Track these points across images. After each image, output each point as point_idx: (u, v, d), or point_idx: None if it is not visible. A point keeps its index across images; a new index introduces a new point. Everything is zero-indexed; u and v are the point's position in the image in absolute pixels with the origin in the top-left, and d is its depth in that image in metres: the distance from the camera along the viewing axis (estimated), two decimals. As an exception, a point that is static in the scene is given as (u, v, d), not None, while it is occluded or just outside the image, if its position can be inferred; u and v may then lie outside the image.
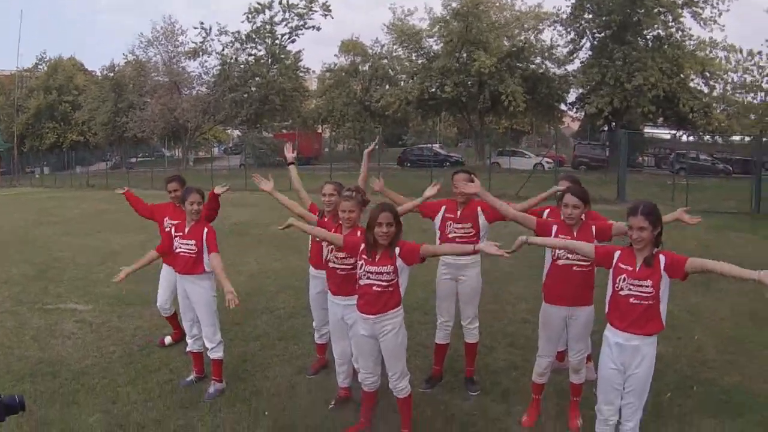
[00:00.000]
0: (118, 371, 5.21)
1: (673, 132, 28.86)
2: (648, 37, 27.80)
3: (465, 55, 30.51)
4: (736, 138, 28.27)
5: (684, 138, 29.27)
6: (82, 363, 5.40)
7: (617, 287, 3.48)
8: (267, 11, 35.68)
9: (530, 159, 32.86)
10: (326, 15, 35.79)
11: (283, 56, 36.71)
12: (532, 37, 32.22)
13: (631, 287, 3.42)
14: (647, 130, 31.56)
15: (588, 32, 29.57)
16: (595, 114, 28.35)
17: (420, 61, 33.99)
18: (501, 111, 33.56)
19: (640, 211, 3.34)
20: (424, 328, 5.95)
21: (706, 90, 28.68)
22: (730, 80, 27.77)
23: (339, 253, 4.21)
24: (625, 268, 3.45)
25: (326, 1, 35.83)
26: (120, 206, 19.11)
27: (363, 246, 3.88)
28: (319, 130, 46.36)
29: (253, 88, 36.62)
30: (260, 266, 9.48)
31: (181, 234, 4.73)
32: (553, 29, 31.39)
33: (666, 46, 27.02)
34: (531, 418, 4.36)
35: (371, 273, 3.84)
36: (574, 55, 31.45)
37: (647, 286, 3.37)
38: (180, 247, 4.70)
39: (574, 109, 34.82)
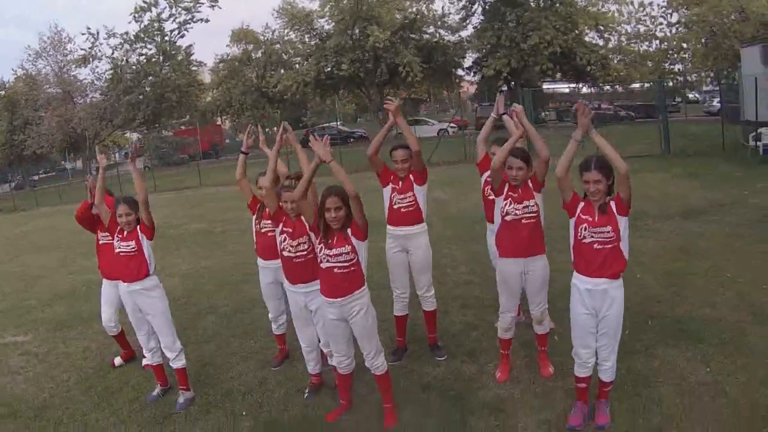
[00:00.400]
0: (79, 399, 4.81)
1: (573, 85, 30.38)
2: None
3: (358, 31, 30.30)
4: (636, 85, 30.01)
5: (584, 90, 30.89)
6: (39, 397, 4.93)
7: (580, 236, 3.59)
8: (153, 9, 34.35)
9: (434, 126, 33.30)
10: (213, 6, 34.71)
11: (174, 52, 35.18)
12: (423, 8, 32.37)
13: (593, 235, 3.53)
14: (546, 85, 32.98)
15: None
16: (494, 76, 29.02)
17: (313, 42, 33.66)
18: (399, 82, 33.88)
19: (593, 165, 3.45)
20: (387, 303, 5.70)
21: (601, 43, 29.84)
22: (624, 32, 28.98)
23: (293, 241, 4.08)
24: (585, 218, 3.57)
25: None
26: (33, 226, 18.50)
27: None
28: (219, 122, 45.12)
29: (148, 88, 35.20)
30: (190, 266, 9.01)
31: (121, 236, 4.46)
32: None
33: (558, 5, 27.85)
34: (504, 373, 4.44)
35: (330, 256, 3.76)
36: (467, 21, 31.95)
37: (608, 232, 3.50)
38: (120, 248, 4.42)
39: (472, 73, 35.43)
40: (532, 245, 4.19)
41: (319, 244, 3.81)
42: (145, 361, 4.78)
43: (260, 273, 4.86)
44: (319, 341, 4.38)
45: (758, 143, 14.16)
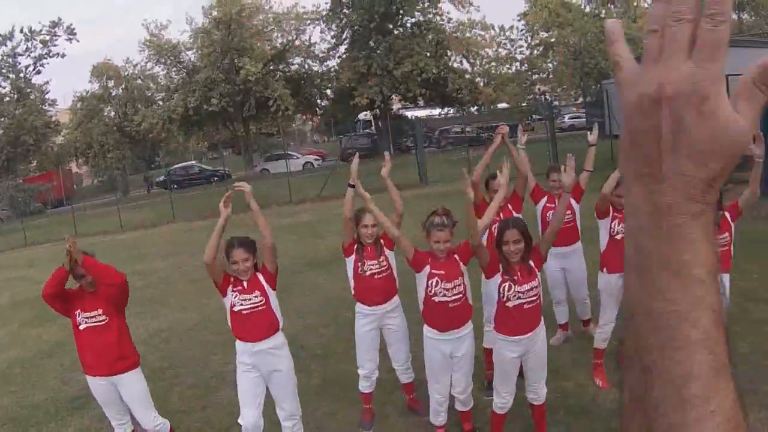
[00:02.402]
0: None
1: (438, 111, 32.06)
2: (408, 25, 29.29)
3: (228, 64, 29.42)
4: (503, 106, 32.53)
5: (451, 114, 32.71)
6: None
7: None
8: (8, 42, 30.84)
9: (299, 159, 32.77)
10: (71, 39, 32.02)
11: (29, 90, 32.13)
12: (295, 38, 32.06)
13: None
14: (412, 112, 34.46)
15: (349, 26, 30.05)
16: (367, 105, 29.31)
17: (180, 77, 32.06)
18: (263, 116, 33.01)
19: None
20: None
21: (469, 68, 31.38)
22: (486, 55, 30.76)
23: (448, 284, 3.83)
24: None
25: (71, 24, 32.22)
26: None
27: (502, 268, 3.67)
28: (73, 166, 40.96)
29: (1, 131, 31.78)
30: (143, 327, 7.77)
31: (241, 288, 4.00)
32: (313, 27, 31.66)
33: (428, 32, 28.85)
34: (604, 380, 4.83)
35: (521, 293, 3.64)
36: (336, 50, 31.98)
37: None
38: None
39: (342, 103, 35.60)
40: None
41: (506, 282, 3.68)
42: None
43: (359, 319, 4.51)
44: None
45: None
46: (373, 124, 34.77)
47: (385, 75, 28.39)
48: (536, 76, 29.47)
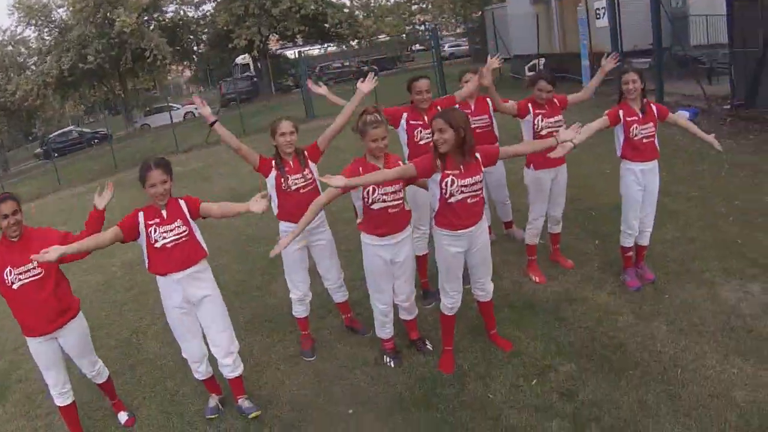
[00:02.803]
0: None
1: (319, 47, 31.24)
2: None
3: (102, 17, 26.94)
4: (382, 38, 32.02)
5: (331, 49, 31.86)
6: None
7: (632, 134, 4.35)
8: None
9: (180, 110, 31.02)
10: None
11: None
12: None
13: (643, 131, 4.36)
14: (291, 51, 33.28)
15: None
16: (246, 47, 28.03)
17: (51, 37, 29.23)
18: (140, 70, 31.18)
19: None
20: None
21: (348, 2, 30.54)
22: None
23: (387, 188, 3.68)
24: (632, 120, 4.34)
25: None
26: None
27: (438, 161, 3.47)
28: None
29: None
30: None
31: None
32: None
33: None
34: (540, 275, 5.01)
35: (466, 186, 3.50)
36: None
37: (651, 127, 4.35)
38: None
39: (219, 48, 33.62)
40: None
41: (448, 176, 3.52)
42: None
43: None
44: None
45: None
46: (252, 66, 33.41)
47: (262, 14, 27.26)
48: (416, 6, 29.21)
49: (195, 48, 33.30)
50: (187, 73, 42.38)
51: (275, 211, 4.20)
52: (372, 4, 29.67)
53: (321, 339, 4.70)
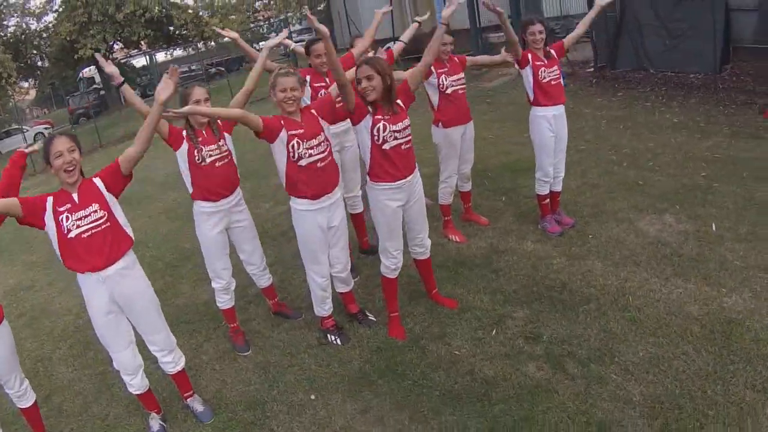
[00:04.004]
0: None
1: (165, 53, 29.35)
2: None
3: None
4: (227, 39, 30.47)
5: (177, 53, 30.12)
6: None
7: (540, 77, 4.36)
8: None
9: (29, 132, 27.33)
10: None
11: None
12: None
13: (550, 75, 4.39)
14: (140, 60, 31.18)
15: None
16: (92, 57, 25.86)
17: None
18: None
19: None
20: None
21: (191, 2, 28.91)
22: None
23: (311, 141, 3.36)
24: (540, 63, 4.36)
25: None
26: None
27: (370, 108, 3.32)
28: None
29: None
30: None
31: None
32: None
33: None
34: (459, 235, 4.88)
35: (397, 132, 3.33)
36: (52, 2, 27.48)
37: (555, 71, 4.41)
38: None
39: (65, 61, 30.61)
40: (465, 114, 4.71)
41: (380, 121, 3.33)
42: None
43: (203, 222, 3.75)
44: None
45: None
46: (98, 78, 30.78)
47: (106, 21, 25.17)
48: (259, 2, 28.45)
49: (39, 63, 30.10)
50: (31, 94, 38.28)
51: (189, 189, 3.68)
52: (216, 3, 28.50)
53: (251, 330, 4.20)
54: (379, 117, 3.27)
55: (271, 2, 27.76)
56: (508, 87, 10.56)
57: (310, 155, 3.36)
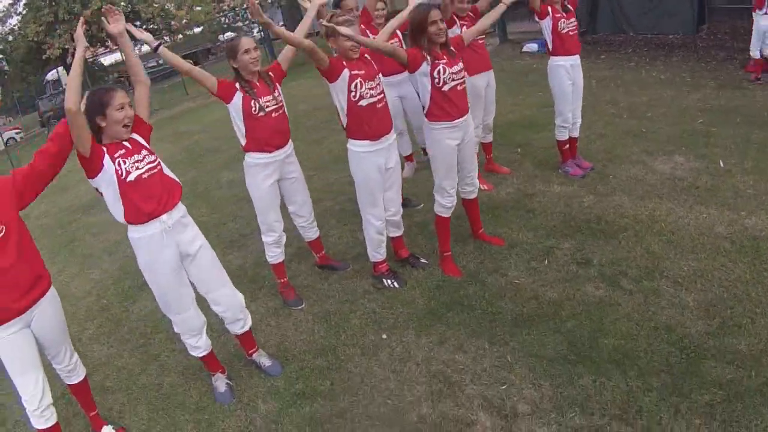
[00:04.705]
0: None
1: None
2: None
3: None
4: (197, 30, 30.02)
5: (145, 48, 29.43)
6: None
7: (560, 28, 4.60)
8: None
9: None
10: None
11: None
12: None
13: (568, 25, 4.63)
14: (108, 57, 30.31)
15: None
16: (60, 57, 25.04)
17: None
18: None
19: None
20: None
21: None
22: None
23: (371, 83, 3.45)
24: (559, 15, 4.60)
25: None
26: None
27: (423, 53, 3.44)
28: None
29: None
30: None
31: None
32: None
33: None
34: (486, 184, 5.01)
35: (454, 74, 3.48)
36: (16, 5, 26.63)
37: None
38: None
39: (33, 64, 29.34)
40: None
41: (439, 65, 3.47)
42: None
43: (257, 173, 3.69)
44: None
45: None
46: (63, 80, 29.81)
47: (73, 19, 24.31)
48: None
49: (6, 68, 28.91)
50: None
51: (242, 142, 3.61)
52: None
53: (299, 285, 4.16)
54: (439, 61, 3.41)
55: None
56: (492, 56, 10.77)
57: (371, 95, 3.45)
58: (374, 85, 3.49)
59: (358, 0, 4.76)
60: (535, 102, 7.22)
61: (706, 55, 8.16)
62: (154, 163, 2.91)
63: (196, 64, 27.20)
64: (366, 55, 3.54)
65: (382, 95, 3.54)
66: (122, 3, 25.21)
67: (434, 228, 4.02)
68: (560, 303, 3.38)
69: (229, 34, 34.88)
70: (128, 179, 2.80)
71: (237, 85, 3.49)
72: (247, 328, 3.35)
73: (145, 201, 2.85)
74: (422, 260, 4.09)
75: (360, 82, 3.42)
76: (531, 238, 4.10)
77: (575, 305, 3.34)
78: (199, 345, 3.21)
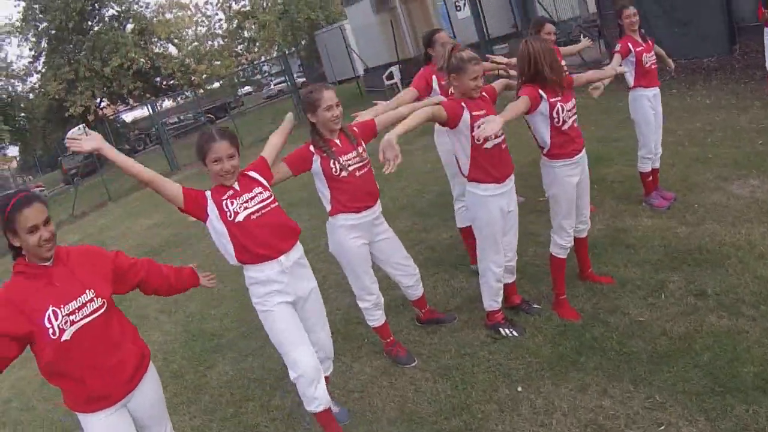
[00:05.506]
0: None
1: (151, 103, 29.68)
2: (106, 19, 26.52)
3: None
4: (216, 85, 30.93)
5: (167, 104, 30.47)
6: None
7: (644, 62, 4.79)
8: None
9: None
10: None
11: None
12: None
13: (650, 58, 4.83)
14: (129, 114, 31.35)
15: (46, 33, 26.25)
16: (82, 114, 25.91)
17: None
18: None
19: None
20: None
21: (175, 52, 29.26)
22: (187, 36, 29.02)
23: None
24: (641, 49, 4.78)
25: None
26: None
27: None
28: None
29: None
30: None
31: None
32: (9, 43, 26.98)
33: (127, 21, 26.43)
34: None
35: (570, 111, 3.52)
36: (37, 62, 27.56)
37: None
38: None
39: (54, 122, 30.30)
40: None
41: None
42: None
43: (344, 234, 3.52)
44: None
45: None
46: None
47: (93, 77, 25.20)
48: (241, 46, 28.90)
49: (27, 125, 29.79)
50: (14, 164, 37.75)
51: (327, 208, 3.51)
52: (201, 52, 28.81)
53: (405, 341, 4.07)
54: (554, 99, 3.43)
55: (251, 46, 28.24)
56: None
57: (496, 137, 3.37)
58: None
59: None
60: (595, 137, 7.34)
61: (744, 75, 8.33)
62: (267, 201, 2.88)
63: (217, 119, 27.86)
64: (484, 93, 3.48)
65: (503, 135, 3.46)
66: (142, 60, 25.90)
67: (533, 272, 4.12)
68: (690, 336, 3.41)
69: (247, 88, 36.03)
70: (236, 220, 2.80)
71: (311, 148, 3.35)
72: (330, 370, 3.43)
73: (257, 241, 2.83)
74: (534, 305, 4.05)
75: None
76: (639, 274, 4.16)
77: (705, 337, 3.37)
78: (318, 395, 3.04)
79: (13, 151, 35.44)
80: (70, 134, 2.75)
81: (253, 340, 4.83)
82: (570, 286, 4.16)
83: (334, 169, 3.32)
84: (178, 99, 29.77)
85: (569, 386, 3.28)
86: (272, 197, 2.93)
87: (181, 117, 28.70)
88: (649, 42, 4.85)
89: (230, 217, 2.80)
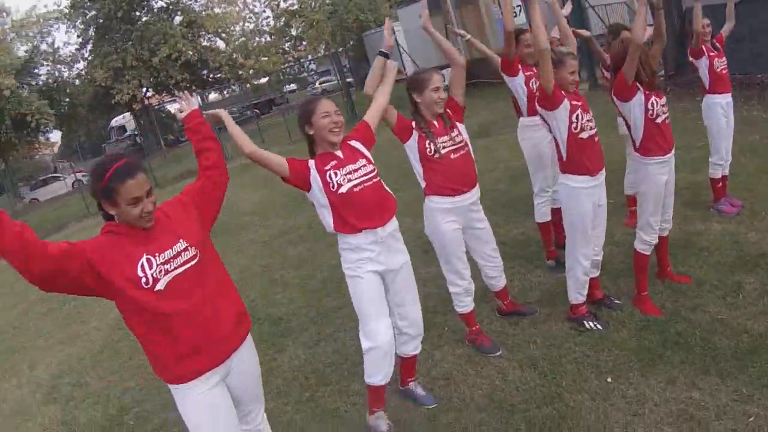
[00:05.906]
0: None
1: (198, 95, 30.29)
2: (155, 9, 27.11)
3: None
4: (263, 80, 31.38)
5: (213, 96, 30.99)
6: None
7: (716, 67, 5.00)
8: None
9: (67, 179, 28.87)
10: None
11: None
12: (40, 42, 27.65)
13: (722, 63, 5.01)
14: (174, 105, 32.01)
15: (94, 21, 26.98)
16: (128, 102, 26.56)
17: None
18: (20, 140, 27.81)
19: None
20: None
21: (223, 47, 29.63)
22: (233, 31, 29.29)
23: (588, 115, 3.51)
24: (714, 54, 4.98)
25: None
26: None
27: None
28: None
29: None
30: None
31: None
32: (57, 29, 27.88)
33: (175, 13, 27.03)
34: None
35: (663, 106, 3.68)
36: (84, 50, 28.40)
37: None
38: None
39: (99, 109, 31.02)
40: None
41: None
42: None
43: (438, 217, 3.60)
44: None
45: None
46: (135, 123, 31.34)
47: (141, 66, 25.75)
48: (288, 43, 29.36)
49: (74, 110, 30.44)
50: (54, 148, 38.65)
51: (421, 184, 3.58)
52: (249, 48, 29.26)
53: (488, 332, 4.13)
54: (650, 93, 3.53)
55: (298, 44, 28.61)
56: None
57: (591, 128, 3.45)
58: (590, 117, 3.53)
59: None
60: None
61: (799, 91, 8.38)
62: (370, 174, 2.93)
63: (262, 114, 28.18)
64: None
65: (596, 128, 3.56)
66: (190, 52, 26.27)
67: (610, 269, 4.30)
68: (771, 334, 3.53)
69: (291, 86, 36.59)
70: (339, 191, 2.84)
71: (413, 124, 3.47)
72: (417, 351, 3.40)
73: (360, 214, 2.88)
74: (616, 300, 4.14)
75: (581, 113, 3.46)
76: (714, 275, 4.31)
77: (787, 335, 3.47)
78: (388, 369, 3.10)
79: (55, 136, 36.11)
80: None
81: (325, 326, 4.99)
82: (649, 284, 4.28)
83: (429, 150, 3.43)
84: (224, 92, 30.21)
85: (658, 378, 3.35)
86: (375, 171, 2.97)
87: (227, 110, 29.16)
88: (721, 50, 5.01)
89: (333, 188, 2.84)
